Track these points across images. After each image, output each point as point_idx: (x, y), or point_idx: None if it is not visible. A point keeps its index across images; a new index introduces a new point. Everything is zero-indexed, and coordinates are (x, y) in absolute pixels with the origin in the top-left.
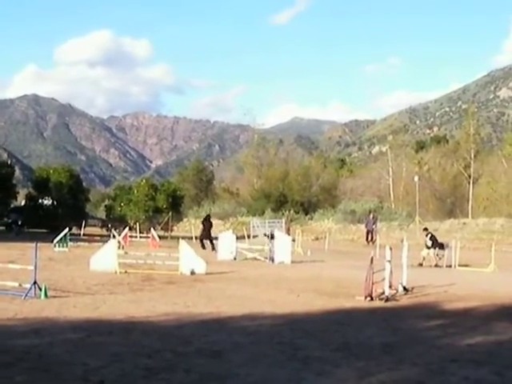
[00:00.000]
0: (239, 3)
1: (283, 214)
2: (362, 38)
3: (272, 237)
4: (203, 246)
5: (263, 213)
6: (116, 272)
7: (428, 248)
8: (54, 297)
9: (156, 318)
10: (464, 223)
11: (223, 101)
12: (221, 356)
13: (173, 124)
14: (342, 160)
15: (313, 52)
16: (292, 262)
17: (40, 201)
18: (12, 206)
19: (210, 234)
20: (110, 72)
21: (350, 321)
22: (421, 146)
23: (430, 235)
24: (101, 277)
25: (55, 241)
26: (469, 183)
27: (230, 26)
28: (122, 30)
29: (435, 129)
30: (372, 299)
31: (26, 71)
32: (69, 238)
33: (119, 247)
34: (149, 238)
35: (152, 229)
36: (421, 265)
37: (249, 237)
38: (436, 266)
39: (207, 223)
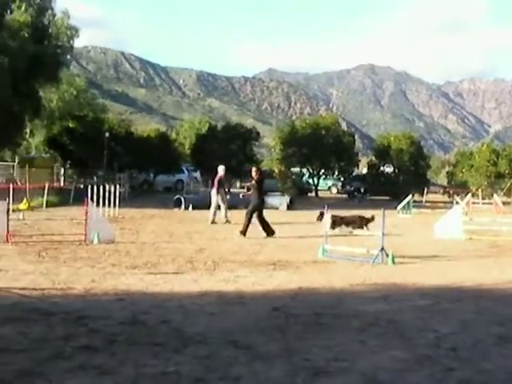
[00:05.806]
0: None
1: None
2: None
3: None
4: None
5: None
6: (461, 239)
7: None
8: (401, 263)
9: (504, 285)
10: None
11: None
12: None
13: (511, 87)
14: None
15: None
16: None
17: (381, 168)
18: (354, 174)
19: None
20: (446, 37)
21: None
22: None
23: None
24: (445, 243)
25: (398, 207)
26: None
27: None
28: None
29: None
30: None
31: (361, 41)
32: (412, 204)
33: (464, 213)
34: (491, 204)
35: (495, 194)
36: None
37: None
38: None
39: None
